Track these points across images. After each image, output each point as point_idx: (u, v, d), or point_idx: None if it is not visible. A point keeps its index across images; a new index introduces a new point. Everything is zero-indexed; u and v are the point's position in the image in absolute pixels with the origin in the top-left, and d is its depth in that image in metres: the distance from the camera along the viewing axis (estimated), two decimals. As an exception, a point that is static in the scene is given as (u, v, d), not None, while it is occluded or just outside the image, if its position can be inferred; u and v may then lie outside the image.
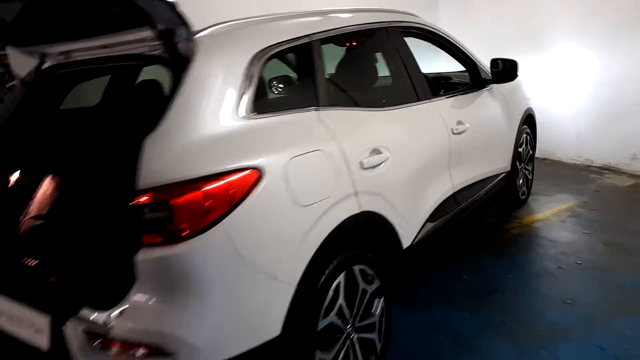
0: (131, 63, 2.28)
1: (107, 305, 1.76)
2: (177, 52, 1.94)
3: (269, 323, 1.90)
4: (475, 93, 3.75)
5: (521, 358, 2.63)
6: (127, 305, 1.73)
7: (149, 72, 2.79)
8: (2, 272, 2.21)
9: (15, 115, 2.62)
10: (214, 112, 1.89)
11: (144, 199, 1.67)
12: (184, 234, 1.68)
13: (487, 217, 4.68)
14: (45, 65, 2.59)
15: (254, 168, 1.84)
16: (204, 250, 1.70)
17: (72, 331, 1.81)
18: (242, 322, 1.82)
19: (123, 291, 1.75)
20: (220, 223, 1.72)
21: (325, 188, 2.11)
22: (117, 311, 1.74)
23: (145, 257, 1.69)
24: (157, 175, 1.70)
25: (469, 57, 3.82)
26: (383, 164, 2.46)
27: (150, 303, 1.71)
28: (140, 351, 1.70)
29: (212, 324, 1.73)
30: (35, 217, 2.51)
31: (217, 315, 1.75)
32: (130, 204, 1.69)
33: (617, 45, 5.55)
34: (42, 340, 1.93)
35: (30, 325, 1.96)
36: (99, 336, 1.75)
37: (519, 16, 6.50)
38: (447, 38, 3.64)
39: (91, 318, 1.77)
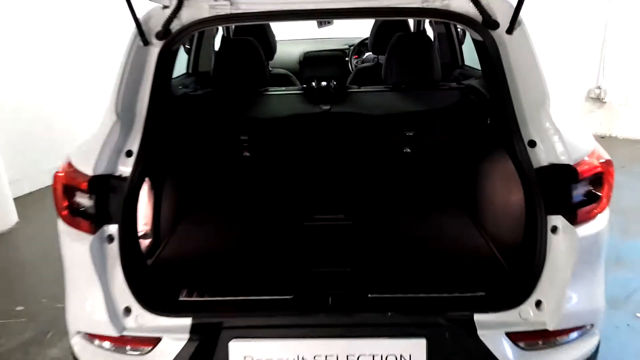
0: None
1: (519, 300, 1.59)
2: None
3: None
4: None
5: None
6: (544, 294, 1.59)
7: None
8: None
9: None
10: None
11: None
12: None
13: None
14: None
15: None
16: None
17: (490, 341, 1.55)
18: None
19: (534, 280, 1.59)
20: None
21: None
22: (534, 301, 1.59)
23: (583, 234, 1.57)
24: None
25: None
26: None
27: (572, 284, 1.61)
28: (571, 335, 1.62)
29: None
30: None
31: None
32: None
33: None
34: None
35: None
36: (526, 334, 1.58)
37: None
38: None
39: (506, 319, 1.57)
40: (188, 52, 3.35)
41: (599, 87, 5.86)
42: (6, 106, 4.64)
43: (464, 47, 3.48)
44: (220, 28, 3.60)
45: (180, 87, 2.57)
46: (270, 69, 3.43)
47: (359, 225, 2.28)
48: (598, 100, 5.90)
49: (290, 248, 2.11)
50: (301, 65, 2.58)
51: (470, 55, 3.37)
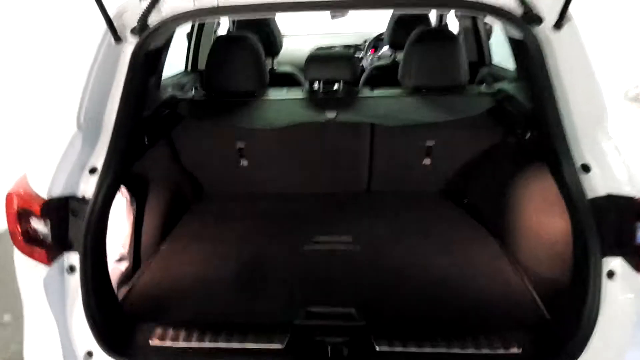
0: None
1: None
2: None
3: None
4: None
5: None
6: (597, 356, 1.28)
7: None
8: None
9: None
10: None
11: None
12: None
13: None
14: None
15: None
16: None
17: None
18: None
19: (584, 336, 1.28)
20: None
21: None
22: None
23: None
24: None
25: None
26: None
27: (633, 346, 1.30)
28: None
29: None
30: None
31: None
32: None
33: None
34: None
35: None
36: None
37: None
38: None
39: None
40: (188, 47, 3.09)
41: (637, 86, 5.43)
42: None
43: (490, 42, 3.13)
44: (227, 21, 3.32)
45: (169, 87, 2.29)
46: (275, 67, 3.14)
47: (367, 251, 1.98)
48: (637, 100, 5.47)
49: (284, 279, 1.82)
50: (306, 65, 2.27)
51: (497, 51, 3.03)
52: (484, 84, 2.41)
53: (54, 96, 1.43)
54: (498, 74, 2.64)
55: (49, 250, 1.38)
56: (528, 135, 1.77)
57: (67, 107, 1.44)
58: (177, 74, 2.88)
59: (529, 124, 1.77)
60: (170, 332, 1.47)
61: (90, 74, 1.47)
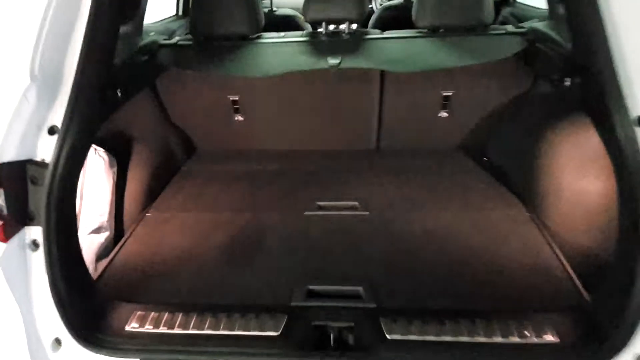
0: None
1: (608, 353, 1.09)
2: None
3: None
4: None
5: None
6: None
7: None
8: None
9: None
10: None
11: None
12: None
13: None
14: None
15: None
16: None
17: None
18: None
19: (632, 322, 1.09)
20: None
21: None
22: (632, 356, 1.09)
23: None
24: None
25: None
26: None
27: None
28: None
29: None
30: None
31: None
32: None
33: None
34: None
35: None
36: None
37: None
38: None
39: None
40: None
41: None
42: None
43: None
44: None
45: (153, 33, 2.03)
46: (275, 9, 2.84)
47: (377, 218, 1.77)
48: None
49: (282, 251, 1.62)
50: (306, 3, 1.98)
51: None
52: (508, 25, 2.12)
53: (1, 41, 1.18)
54: (524, 14, 2.33)
55: (5, 224, 1.19)
56: (567, 81, 1.51)
57: (18, 55, 1.20)
58: (165, 19, 2.60)
59: (568, 68, 1.51)
60: (152, 314, 1.29)
61: (46, 14, 1.22)
